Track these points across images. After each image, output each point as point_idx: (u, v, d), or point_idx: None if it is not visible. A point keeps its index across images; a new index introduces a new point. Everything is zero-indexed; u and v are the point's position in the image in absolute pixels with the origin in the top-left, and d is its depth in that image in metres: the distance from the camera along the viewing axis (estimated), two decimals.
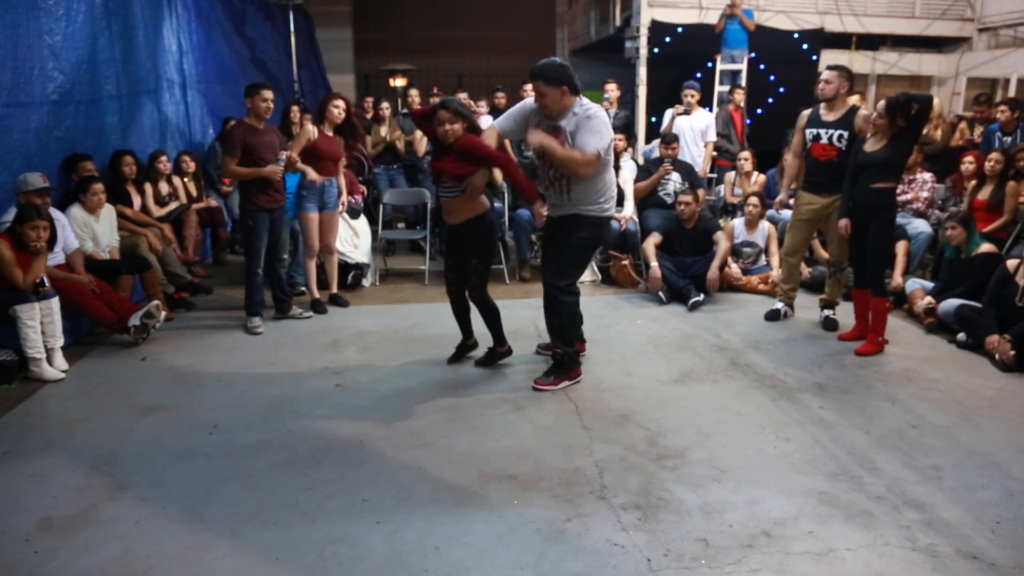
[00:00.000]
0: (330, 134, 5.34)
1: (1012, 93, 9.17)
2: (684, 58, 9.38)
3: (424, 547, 2.66)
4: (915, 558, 2.58)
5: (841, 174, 4.73)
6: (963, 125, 7.61)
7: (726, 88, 8.98)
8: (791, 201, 5.36)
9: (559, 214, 3.98)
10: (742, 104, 8.00)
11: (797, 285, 5.36)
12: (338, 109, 5.32)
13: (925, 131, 7.18)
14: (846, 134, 4.67)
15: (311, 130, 5.23)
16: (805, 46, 9.66)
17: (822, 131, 4.76)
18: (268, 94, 4.91)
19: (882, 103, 4.40)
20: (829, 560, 2.57)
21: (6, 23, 4.45)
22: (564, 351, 4.11)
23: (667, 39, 9.52)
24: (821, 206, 4.89)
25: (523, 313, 5.42)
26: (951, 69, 10.46)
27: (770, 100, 9.09)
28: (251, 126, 4.90)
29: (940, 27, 10.33)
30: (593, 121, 3.78)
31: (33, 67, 4.71)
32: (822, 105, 4.83)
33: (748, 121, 7.99)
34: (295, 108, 7.66)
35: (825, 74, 4.75)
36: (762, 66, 9.32)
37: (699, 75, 8.88)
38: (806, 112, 4.95)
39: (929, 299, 5.09)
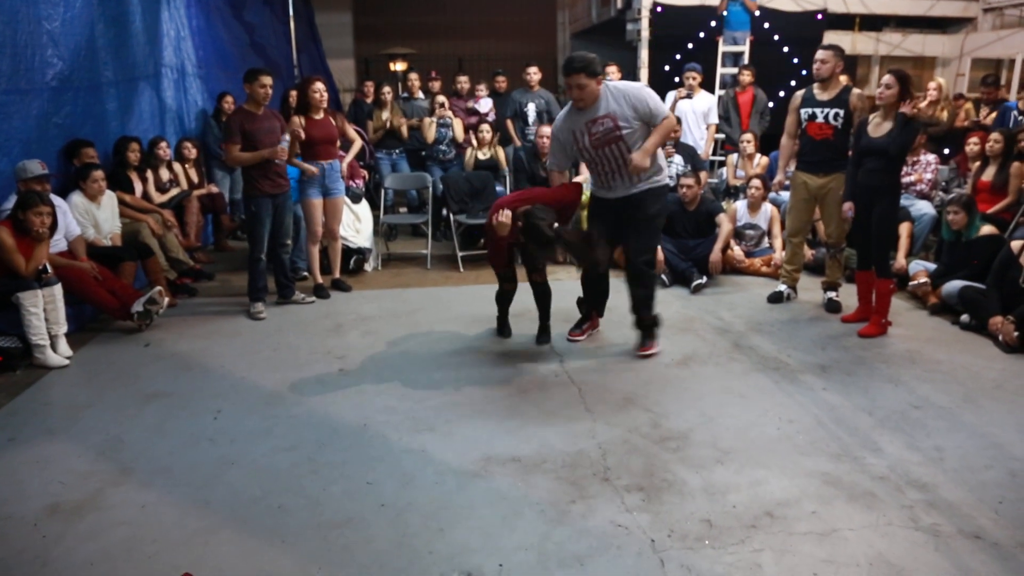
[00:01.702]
0: (318, 118, 5.30)
1: (1017, 73, 9.10)
2: (686, 40, 9.30)
3: (428, 529, 2.67)
4: (918, 538, 2.59)
5: (837, 153, 4.81)
6: (968, 106, 7.56)
7: (729, 70, 8.92)
8: (789, 182, 5.35)
9: (625, 194, 4.14)
10: (749, 85, 7.92)
11: (801, 266, 5.35)
12: (318, 94, 5.26)
13: (930, 112, 7.16)
14: (841, 112, 4.74)
15: (297, 122, 5.20)
16: (807, 27, 9.55)
17: (817, 110, 4.81)
18: (267, 80, 4.89)
19: (888, 76, 4.40)
20: (832, 540, 2.58)
21: (4, 9, 4.42)
22: (652, 318, 4.33)
23: (669, 22, 9.42)
24: (817, 186, 4.92)
25: (526, 298, 5.38)
26: (955, 50, 10.37)
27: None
28: (250, 112, 4.88)
29: (944, 7, 10.22)
30: (639, 92, 4.02)
31: (32, 53, 4.68)
32: (815, 85, 4.88)
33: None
34: (294, 93, 7.62)
35: (819, 54, 4.79)
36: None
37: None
38: (799, 93, 5.00)
39: (925, 279, 5.09)
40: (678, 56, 9.12)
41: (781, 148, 5.25)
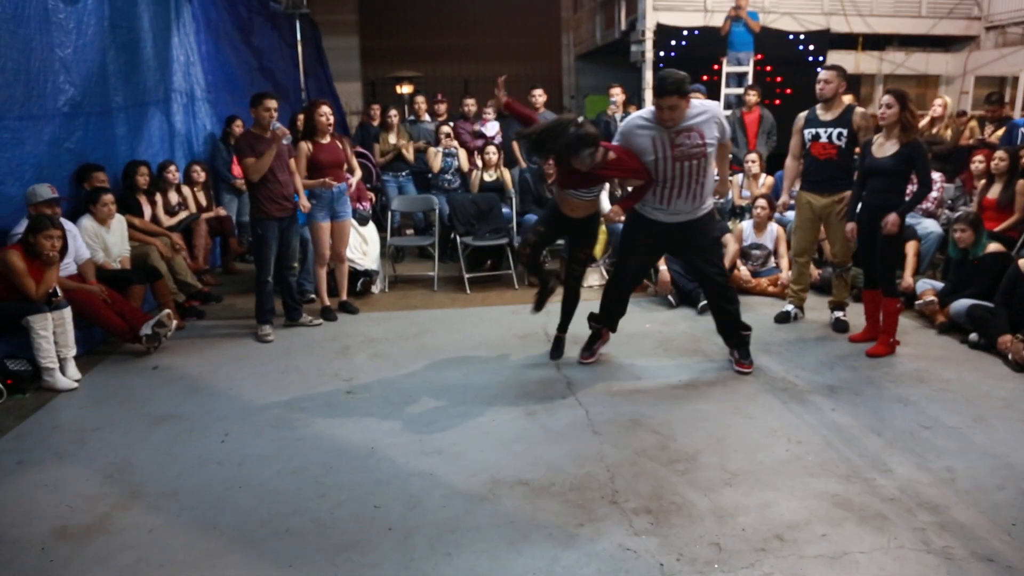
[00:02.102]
0: (325, 142, 5.35)
1: (1021, 91, 9.12)
2: (690, 62, 9.36)
3: (436, 553, 2.66)
4: (930, 561, 2.56)
5: (841, 172, 4.82)
6: (973, 124, 7.57)
7: (732, 91, 8.96)
8: (794, 203, 5.37)
9: (687, 219, 4.16)
10: (755, 105, 7.95)
11: (807, 286, 5.34)
12: (324, 117, 5.31)
13: (935, 131, 7.17)
14: (845, 132, 4.74)
15: (305, 147, 5.26)
16: (811, 47, 9.62)
17: (821, 130, 4.82)
18: (271, 103, 4.95)
19: (887, 96, 4.41)
20: (843, 563, 2.56)
21: (19, 38, 4.49)
22: (747, 332, 4.41)
23: (673, 43, 9.50)
24: (822, 206, 4.92)
25: (533, 318, 5.40)
26: (959, 68, 10.41)
27: (777, 102, 9.04)
28: (257, 135, 4.93)
29: (947, 26, 10.28)
30: (721, 111, 4.24)
31: (45, 80, 4.76)
32: (819, 105, 4.90)
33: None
34: (301, 117, 7.70)
35: (823, 74, 4.81)
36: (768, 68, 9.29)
37: (702, 78, 8.88)
38: (803, 114, 5.01)
39: (932, 296, 5.07)
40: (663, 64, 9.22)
41: (786, 169, 5.27)
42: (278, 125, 5.02)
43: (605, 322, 4.57)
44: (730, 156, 7.79)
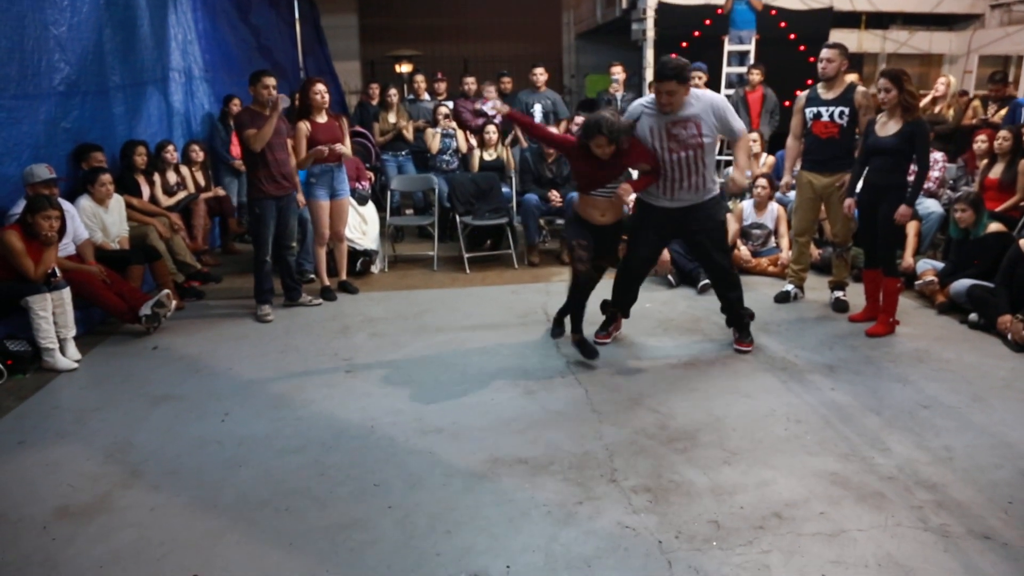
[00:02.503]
0: (322, 120, 5.31)
1: None
2: (691, 40, 9.28)
3: (435, 531, 2.67)
4: (927, 538, 2.58)
5: (843, 152, 4.81)
6: (976, 103, 7.52)
7: (734, 69, 8.89)
8: (795, 182, 5.35)
9: (690, 203, 4.14)
10: (759, 84, 7.89)
11: (808, 266, 5.34)
12: (319, 95, 5.26)
13: (937, 110, 7.12)
14: (847, 111, 4.73)
15: (304, 127, 5.21)
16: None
17: (823, 109, 4.80)
18: (270, 81, 4.91)
19: (883, 80, 4.38)
20: (840, 541, 2.57)
21: (12, 15, 4.45)
22: (750, 315, 4.43)
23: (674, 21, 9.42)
24: (823, 185, 4.90)
25: (533, 298, 5.42)
26: (963, 47, 10.32)
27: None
28: (256, 112, 4.90)
29: (951, 4, 10.16)
30: (725, 103, 4.07)
31: (40, 59, 4.71)
32: (820, 84, 4.87)
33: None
34: (298, 96, 7.65)
35: (825, 52, 4.77)
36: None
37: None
38: (803, 93, 4.99)
39: (932, 276, 5.06)
40: (673, 55, 9.13)
41: (787, 149, 5.24)
42: (275, 93, 4.98)
43: (618, 308, 4.57)
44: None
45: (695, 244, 4.38)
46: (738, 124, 4.10)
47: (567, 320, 4.34)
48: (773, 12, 9.25)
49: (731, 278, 4.37)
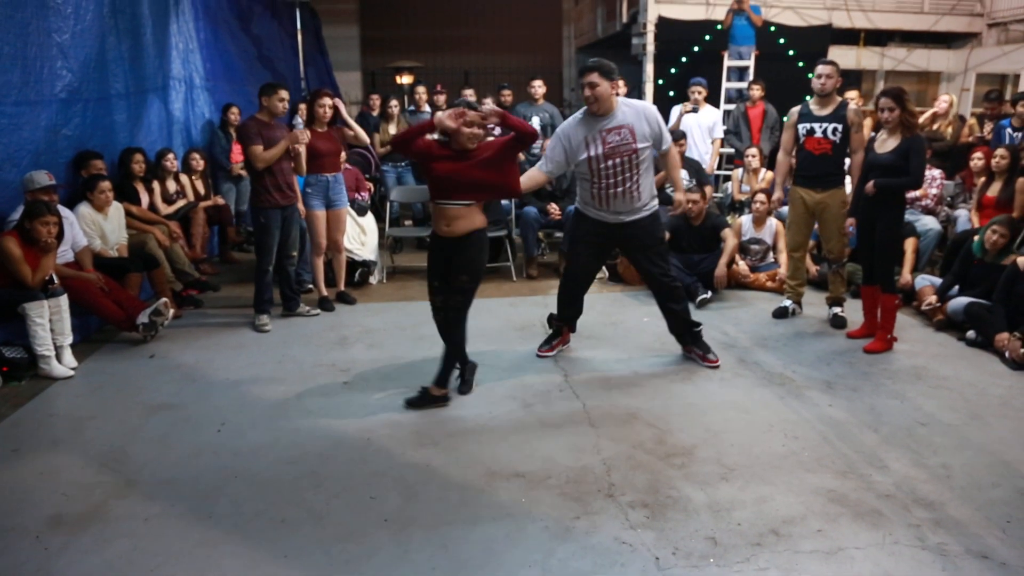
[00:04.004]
0: (323, 130, 5.33)
1: (1022, 89, 9.09)
2: (691, 55, 9.34)
3: (431, 545, 2.66)
4: (924, 557, 2.57)
5: (835, 168, 4.85)
6: (972, 121, 7.56)
7: (734, 85, 8.94)
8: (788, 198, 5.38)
9: (631, 219, 4.17)
10: (759, 99, 7.92)
11: (804, 281, 5.34)
12: (323, 108, 5.29)
13: (936, 127, 7.16)
14: (840, 127, 4.76)
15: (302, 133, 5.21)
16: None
17: (816, 125, 4.83)
18: (285, 94, 4.95)
19: (884, 99, 4.40)
20: (838, 559, 2.56)
21: (15, 22, 4.46)
22: (699, 327, 4.43)
23: (673, 36, 9.49)
24: (815, 201, 4.93)
25: (531, 311, 5.42)
26: (960, 65, 10.38)
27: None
28: (264, 122, 4.91)
29: (949, 22, 10.25)
30: (654, 111, 4.16)
31: (42, 65, 4.72)
32: (812, 100, 4.91)
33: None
34: (303, 107, 7.67)
35: (821, 68, 4.80)
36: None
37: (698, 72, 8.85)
38: (795, 109, 5.02)
39: (933, 298, 5.06)
40: (673, 70, 9.21)
41: (777, 165, 5.30)
42: (301, 125, 5.09)
43: (564, 321, 4.58)
44: (731, 150, 7.83)
45: (634, 261, 4.43)
46: (666, 132, 4.19)
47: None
48: (772, 28, 9.33)
49: (674, 294, 4.35)
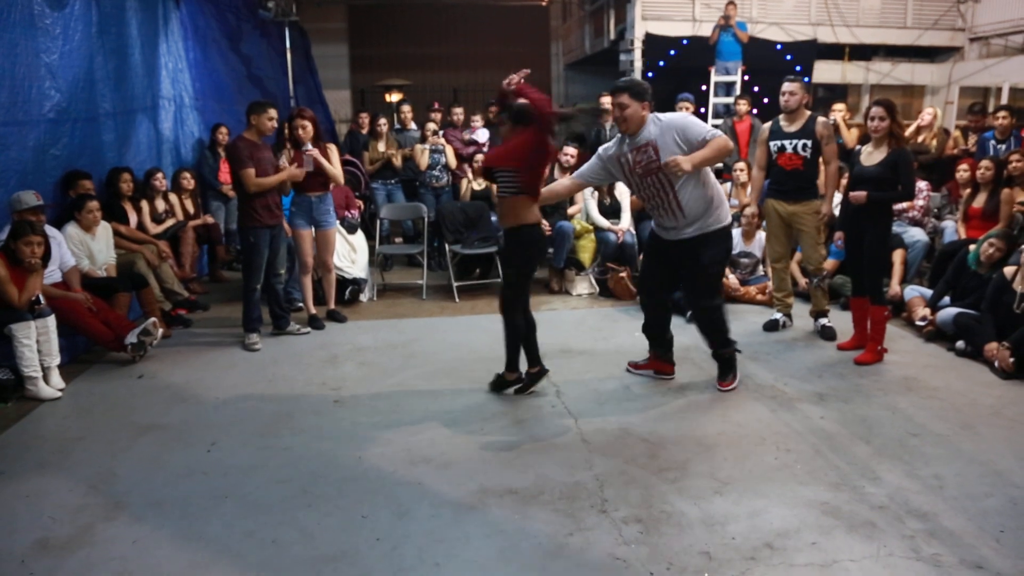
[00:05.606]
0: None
1: (1004, 101, 9.21)
2: (679, 71, 9.43)
3: (424, 564, 2.63)
4: (919, 568, 2.56)
5: (807, 182, 4.95)
6: (957, 134, 7.64)
7: (721, 100, 9.01)
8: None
9: (678, 237, 4.01)
10: (746, 114, 7.99)
11: (791, 292, 5.37)
12: (300, 129, 5.15)
13: (921, 139, 7.23)
14: (809, 143, 4.84)
15: (287, 156, 5.15)
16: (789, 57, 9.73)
17: (786, 142, 4.91)
18: (273, 113, 4.94)
19: (876, 108, 4.44)
20: (833, 571, 2.55)
21: (4, 42, 4.46)
22: (729, 351, 4.25)
23: (668, 52, 9.57)
24: (788, 212, 5.01)
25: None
26: (943, 78, 10.52)
27: (754, 111, 9.10)
28: (252, 141, 4.90)
29: (932, 37, 10.40)
30: (685, 118, 3.94)
31: (31, 86, 4.72)
32: (782, 117, 4.99)
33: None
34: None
35: (787, 86, 4.90)
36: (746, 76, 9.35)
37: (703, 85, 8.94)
38: (766, 125, 5.11)
39: (925, 311, 5.08)
40: (653, 74, 9.32)
41: (752, 180, 5.36)
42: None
43: (654, 345, 4.46)
44: (719, 164, 7.88)
45: (681, 280, 4.28)
46: (701, 132, 3.81)
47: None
48: (758, 44, 9.43)
49: (704, 322, 4.23)
